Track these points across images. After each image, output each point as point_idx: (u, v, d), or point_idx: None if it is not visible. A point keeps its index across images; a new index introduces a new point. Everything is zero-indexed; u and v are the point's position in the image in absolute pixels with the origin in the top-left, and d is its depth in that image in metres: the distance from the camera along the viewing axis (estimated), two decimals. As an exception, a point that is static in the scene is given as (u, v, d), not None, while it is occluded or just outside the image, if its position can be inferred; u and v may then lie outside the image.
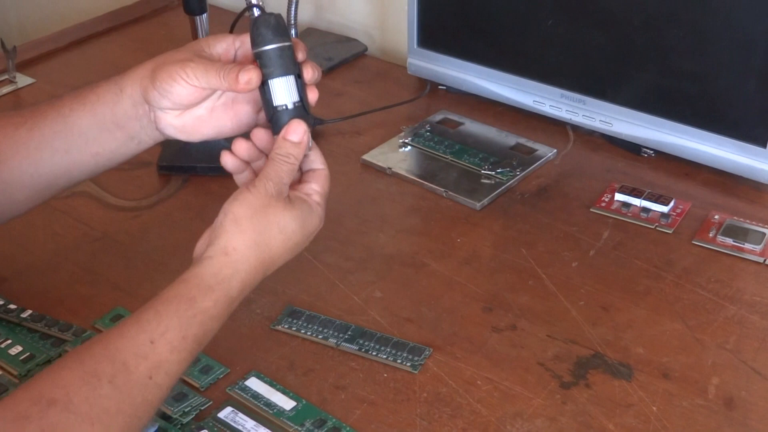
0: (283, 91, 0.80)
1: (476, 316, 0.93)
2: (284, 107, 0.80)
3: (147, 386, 0.69)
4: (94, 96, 0.85)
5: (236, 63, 0.82)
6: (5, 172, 0.85)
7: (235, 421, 0.81)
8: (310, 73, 0.81)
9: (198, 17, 1.15)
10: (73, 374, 0.67)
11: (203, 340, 0.73)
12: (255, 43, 0.79)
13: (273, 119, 0.80)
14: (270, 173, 0.77)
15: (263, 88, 0.80)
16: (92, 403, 0.66)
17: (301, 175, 0.82)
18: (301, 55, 0.81)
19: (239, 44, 0.84)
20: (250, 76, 0.78)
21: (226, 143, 1.13)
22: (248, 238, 0.75)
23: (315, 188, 0.81)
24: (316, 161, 0.82)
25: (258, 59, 0.80)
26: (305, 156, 0.80)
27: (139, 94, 0.83)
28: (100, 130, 0.85)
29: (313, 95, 0.82)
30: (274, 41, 0.79)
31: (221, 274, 0.74)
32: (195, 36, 1.15)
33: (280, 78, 0.79)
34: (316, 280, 0.97)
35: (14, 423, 0.64)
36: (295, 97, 0.80)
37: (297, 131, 0.79)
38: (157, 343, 0.70)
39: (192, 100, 0.82)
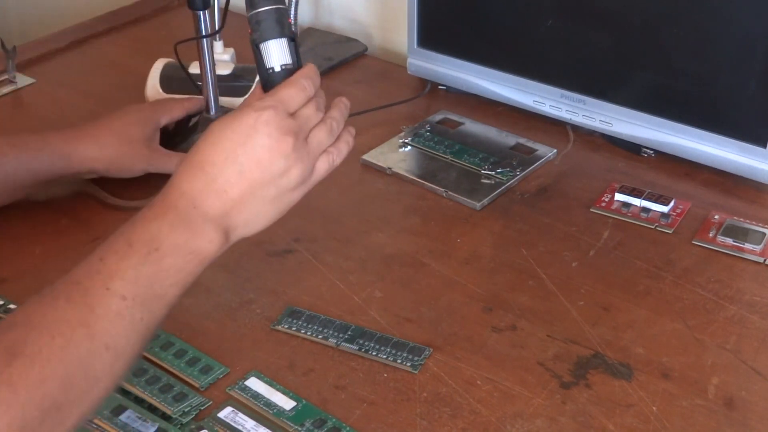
0: (277, 53, 0.79)
1: (476, 316, 0.93)
2: (277, 69, 0.79)
3: (104, 296, 0.68)
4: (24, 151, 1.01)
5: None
6: None
7: (235, 421, 0.81)
8: None
9: (201, 12, 1.14)
10: (32, 302, 0.68)
11: (156, 243, 0.71)
12: (249, 6, 0.80)
13: (267, 82, 0.80)
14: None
15: (257, 51, 0.80)
16: (50, 318, 0.66)
17: None
18: None
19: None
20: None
21: None
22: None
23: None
24: None
25: (252, 22, 0.80)
26: None
27: (72, 168, 1.03)
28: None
29: None
30: (268, 3, 0.79)
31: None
32: (197, 32, 1.14)
33: (274, 40, 0.79)
34: (316, 280, 0.97)
35: None
36: (289, 59, 0.80)
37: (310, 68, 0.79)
38: (105, 257, 0.70)
39: None
